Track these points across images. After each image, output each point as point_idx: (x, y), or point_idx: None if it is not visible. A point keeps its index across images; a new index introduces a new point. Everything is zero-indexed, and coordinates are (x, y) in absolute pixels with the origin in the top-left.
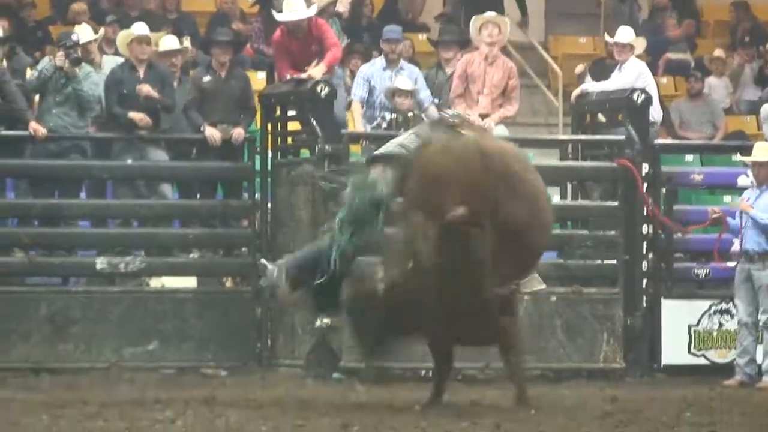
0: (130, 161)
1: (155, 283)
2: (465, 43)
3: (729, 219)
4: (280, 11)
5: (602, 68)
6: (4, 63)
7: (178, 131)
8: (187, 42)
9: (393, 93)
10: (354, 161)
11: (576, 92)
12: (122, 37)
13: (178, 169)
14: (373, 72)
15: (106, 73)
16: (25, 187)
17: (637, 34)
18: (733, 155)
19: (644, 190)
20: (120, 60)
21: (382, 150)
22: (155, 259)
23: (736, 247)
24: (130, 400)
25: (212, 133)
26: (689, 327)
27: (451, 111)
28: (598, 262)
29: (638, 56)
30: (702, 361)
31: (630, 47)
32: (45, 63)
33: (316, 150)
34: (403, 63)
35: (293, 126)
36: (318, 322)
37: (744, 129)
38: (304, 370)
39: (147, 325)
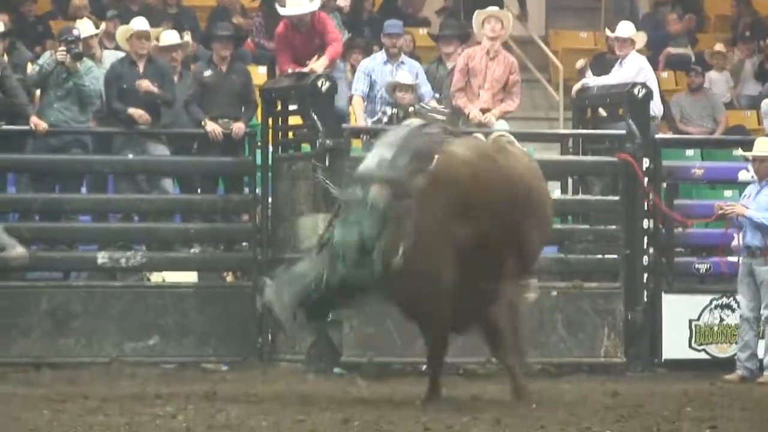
0: (131, 156)
1: (156, 277)
2: (465, 38)
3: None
4: (283, 5)
5: (603, 63)
6: (5, 58)
7: (179, 126)
8: (187, 36)
9: (394, 87)
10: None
11: (577, 87)
12: (122, 32)
13: (179, 163)
14: (374, 66)
15: (106, 68)
16: (26, 182)
17: (638, 29)
18: (734, 150)
19: (646, 184)
20: (120, 55)
21: (367, 169)
22: (156, 253)
23: (736, 242)
24: (130, 394)
25: (213, 128)
26: (690, 322)
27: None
28: (599, 256)
29: (639, 51)
30: (703, 355)
31: (631, 42)
32: (46, 58)
33: (317, 144)
34: (403, 57)
35: (294, 120)
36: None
37: (744, 124)
38: (305, 365)
39: (148, 320)
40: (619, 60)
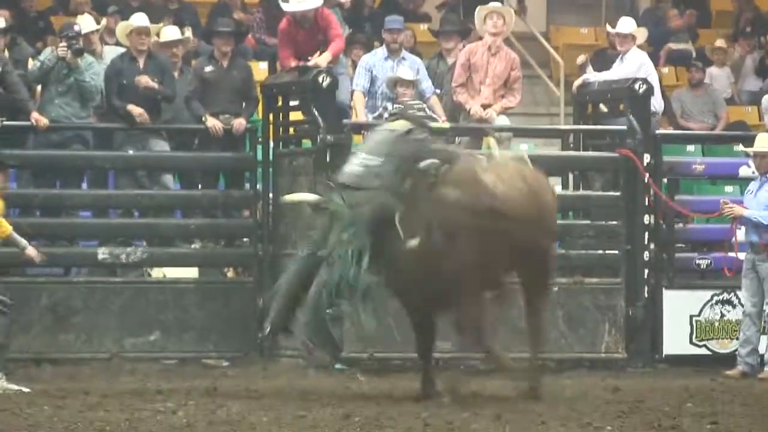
0: (131, 151)
1: (157, 273)
2: (466, 33)
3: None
4: (287, 1)
5: (604, 58)
6: (6, 53)
7: (179, 122)
8: (188, 32)
9: (395, 83)
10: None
11: (577, 82)
12: (122, 28)
13: (180, 159)
14: (375, 62)
15: (107, 64)
16: (27, 178)
17: (639, 25)
18: (735, 145)
19: (648, 180)
20: (121, 50)
21: (352, 176)
22: (157, 249)
23: (740, 238)
24: (131, 390)
25: (214, 124)
26: (691, 317)
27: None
28: (600, 252)
29: (640, 46)
30: (704, 351)
31: (631, 37)
32: (47, 53)
33: (318, 140)
34: (404, 53)
35: (295, 116)
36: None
37: (745, 119)
38: (306, 361)
39: (148, 316)
40: (620, 56)
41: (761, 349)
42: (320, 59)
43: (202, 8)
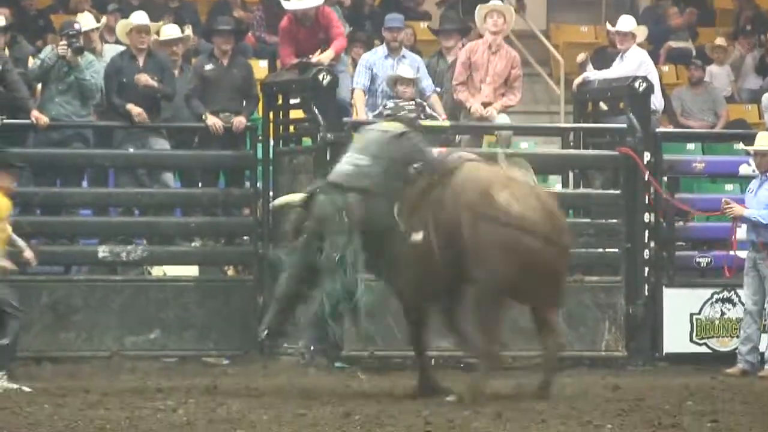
0: (131, 150)
1: (157, 271)
2: (466, 32)
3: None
4: None
5: (604, 57)
6: (6, 52)
7: (179, 120)
8: (188, 30)
9: (395, 81)
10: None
11: (578, 80)
12: (121, 26)
13: (180, 157)
14: (375, 60)
15: (107, 62)
16: (27, 176)
17: (639, 23)
18: (735, 144)
19: (649, 178)
20: (121, 49)
21: (341, 176)
22: (157, 247)
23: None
24: (131, 388)
25: (214, 122)
26: (691, 315)
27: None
28: (600, 250)
29: (640, 45)
30: (704, 349)
31: (632, 36)
32: (47, 52)
33: (318, 138)
34: (405, 51)
35: (295, 114)
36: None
37: (745, 118)
38: (306, 362)
39: (149, 314)
40: (620, 54)
41: (762, 348)
42: (323, 56)
43: (202, 6)
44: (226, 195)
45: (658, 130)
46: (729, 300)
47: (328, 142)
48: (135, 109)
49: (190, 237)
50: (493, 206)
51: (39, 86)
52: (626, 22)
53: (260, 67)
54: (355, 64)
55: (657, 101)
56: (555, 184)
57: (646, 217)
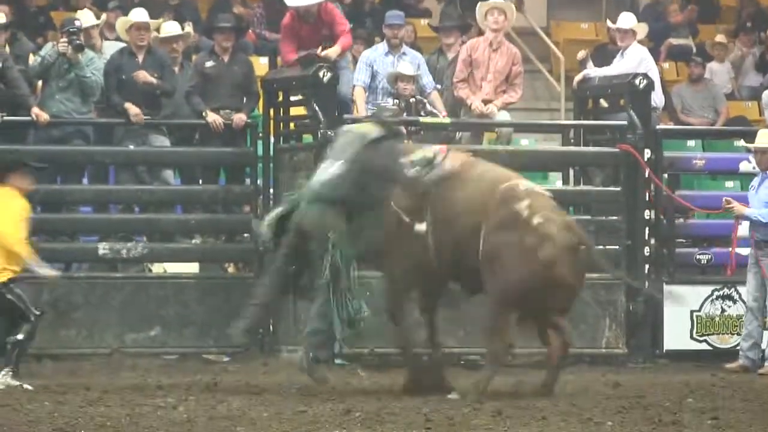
0: (132, 147)
1: (157, 268)
2: (466, 29)
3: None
4: None
5: (604, 54)
6: (7, 49)
7: (180, 117)
8: (188, 27)
9: (395, 78)
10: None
11: (578, 77)
12: (121, 23)
13: (180, 154)
14: (376, 57)
15: (107, 59)
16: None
17: (639, 20)
18: (735, 141)
19: (650, 175)
20: (121, 46)
21: (314, 185)
22: (157, 244)
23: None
24: (132, 386)
25: (214, 119)
26: (691, 312)
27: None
28: (600, 247)
29: (640, 42)
30: (704, 346)
31: (632, 33)
32: (48, 49)
33: (319, 135)
34: (405, 48)
35: (296, 111)
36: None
37: (746, 115)
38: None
39: (149, 311)
40: (621, 51)
41: (763, 344)
42: (330, 51)
43: (202, 3)
44: (226, 192)
45: (658, 127)
46: (729, 297)
47: (328, 139)
48: (132, 109)
49: (191, 234)
50: (513, 216)
51: (39, 83)
52: (627, 19)
53: (261, 64)
54: (355, 61)
55: (657, 98)
56: (555, 181)
57: (647, 214)
